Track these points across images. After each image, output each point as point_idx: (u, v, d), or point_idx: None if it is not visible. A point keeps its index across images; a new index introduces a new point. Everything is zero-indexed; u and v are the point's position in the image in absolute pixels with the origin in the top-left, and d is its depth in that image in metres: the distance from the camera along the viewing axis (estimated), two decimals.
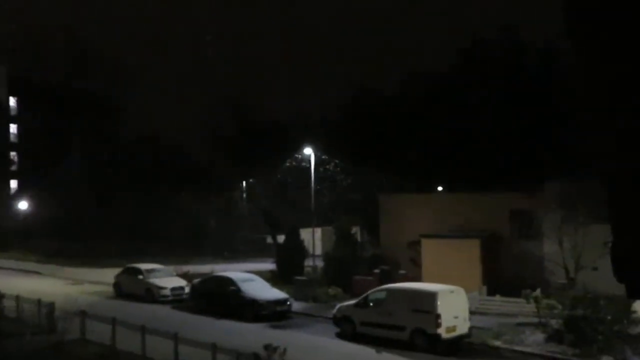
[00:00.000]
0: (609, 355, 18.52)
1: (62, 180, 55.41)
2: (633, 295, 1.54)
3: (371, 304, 21.61)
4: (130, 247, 47.41)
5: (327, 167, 39.49)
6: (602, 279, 20.72)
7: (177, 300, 29.35)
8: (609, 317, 19.35)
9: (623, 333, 19.54)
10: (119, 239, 50.29)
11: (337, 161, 39.41)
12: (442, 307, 19.64)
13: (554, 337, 20.04)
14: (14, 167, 64.08)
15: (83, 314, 21.16)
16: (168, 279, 31.09)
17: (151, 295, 29.87)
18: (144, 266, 32.25)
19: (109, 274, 34.07)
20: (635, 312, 19.94)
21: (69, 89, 58.53)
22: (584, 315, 19.32)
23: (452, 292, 20.53)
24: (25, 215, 57.44)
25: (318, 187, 36.53)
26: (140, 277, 30.99)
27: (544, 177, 28.65)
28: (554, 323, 20.61)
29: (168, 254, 43.62)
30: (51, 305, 22.34)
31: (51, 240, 50.84)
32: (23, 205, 57.39)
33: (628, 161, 1.51)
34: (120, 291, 31.69)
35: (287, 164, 41.70)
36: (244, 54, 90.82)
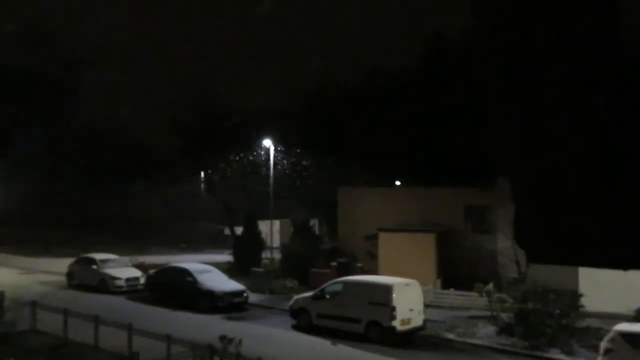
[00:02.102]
0: (557, 347, 19.10)
1: (12, 167, 53.86)
2: (532, 260, 1.70)
3: (328, 297, 21.75)
4: (84, 236, 46.53)
5: (286, 159, 39.48)
6: (552, 274, 21.35)
7: (131, 290, 28.99)
8: (557, 311, 19.95)
9: (570, 326, 20.19)
10: (73, 228, 49.27)
11: (296, 151, 39.40)
12: (397, 300, 19.92)
13: (505, 330, 20.56)
14: None
15: (34, 304, 20.70)
16: (123, 269, 30.67)
17: (105, 285, 29.43)
18: (98, 256, 31.73)
19: (62, 264, 33.40)
20: (582, 306, 20.60)
21: (22, 72, 56.80)
22: (534, 309, 19.87)
23: (407, 285, 20.83)
24: None
25: (277, 179, 36.48)
26: (94, 267, 30.49)
27: (497, 173, 29.19)
28: (505, 316, 21.14)
29: (123, 244, 42.98)
30: (0, 295, 21.79)
31: (1, 228, 49.48)
32: None
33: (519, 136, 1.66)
34: (74, 281, 31.14)
35: (246, 156, 41.51)
36: (205, 45, 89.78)
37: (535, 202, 1.61)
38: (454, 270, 28.71)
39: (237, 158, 40.38)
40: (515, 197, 1.67)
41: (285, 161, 39.96)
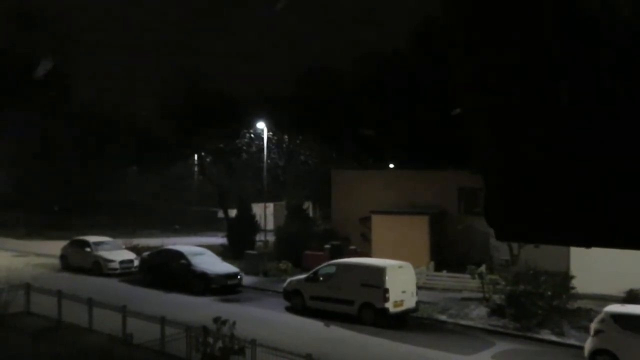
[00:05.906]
0: (548, 328, 19.30)
1: (3, 150, 53.54)
2: (499, 237, 1.78)
3: (321, 279, 21.85)
4: (77, 219, 46.43)
5: (283, 142, 39.40)
6: (543, 256, 21.52)
7: (125, 273, 29.04)
8: (548, 293, 20.12)
9: (561, 308, 20.37)
10: (65, 211, 49.15)
11: (285, 136, 39.33)
12: (390, 282, 20.03)
13: (497, 311, 20.73)
14: None
15: (28, 287, 20.72)
16: (116, 251, 30.68)
17: (99, 268, 29.46)
18: (91, 238, 31.71)
19: (56, 246, 33.36)
20: (573, 288, 20.79)
21: (11, 54, 56.23)
22: (525, 290, 20.02)
23: (400, 267, 20.93)
24: None
25: (270, 162, 36.46)
26: (88, 249, 30.48)
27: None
28: (497, 298, 21.32)
29: (117, 227, 42.96)
30: None
31: None
32: None
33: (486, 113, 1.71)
34: (67, 264, 31.12)
35: (240, 138, 41.43)
36: (197, 29, 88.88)
37: (502, 185, 1.67)
38: (447, 252, 28.87)
39: (231, 140, 40.24)
40: (486, 185, 1.72)
41: (279, 142, 39.88)
